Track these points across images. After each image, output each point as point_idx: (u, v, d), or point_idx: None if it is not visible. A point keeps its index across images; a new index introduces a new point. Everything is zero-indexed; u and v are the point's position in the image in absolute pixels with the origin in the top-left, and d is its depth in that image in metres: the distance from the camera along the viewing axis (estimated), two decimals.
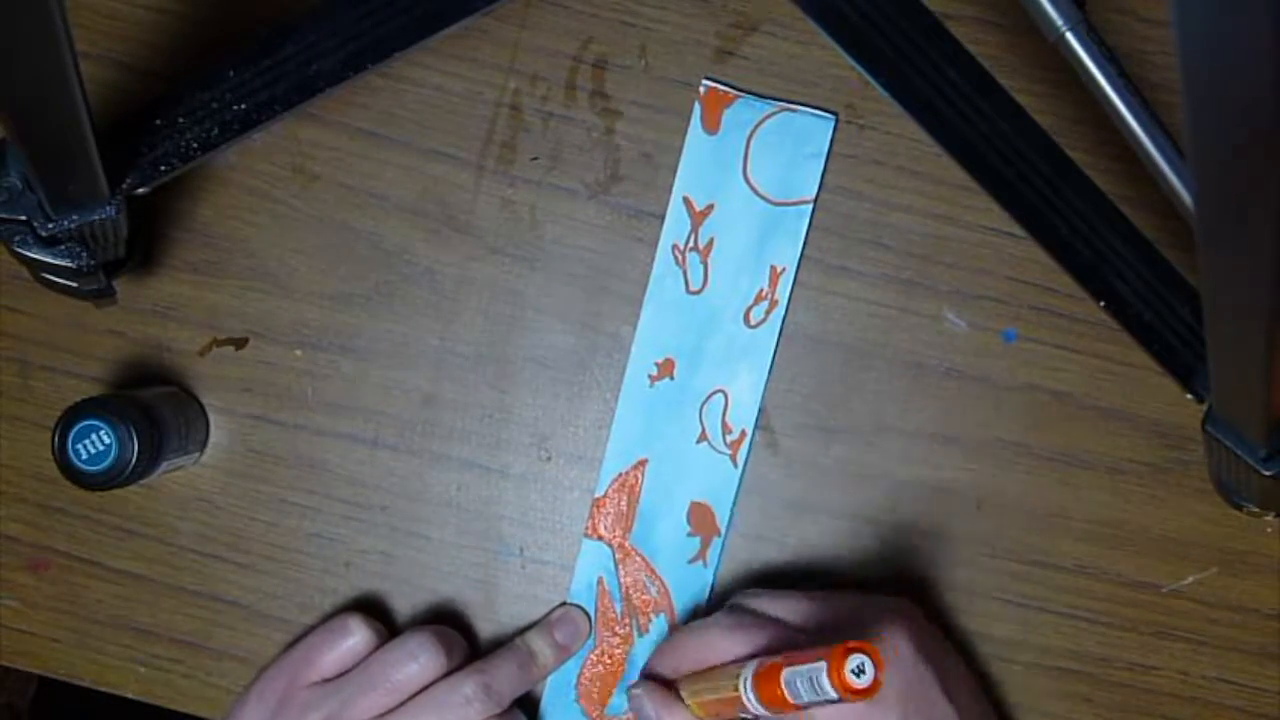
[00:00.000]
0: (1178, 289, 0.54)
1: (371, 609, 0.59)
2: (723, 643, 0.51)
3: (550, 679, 0.58)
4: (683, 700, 0.53)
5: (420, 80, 0.59)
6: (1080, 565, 0.58)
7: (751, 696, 0.47)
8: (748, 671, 0.47)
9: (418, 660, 0.54)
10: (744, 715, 0.49)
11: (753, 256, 0.58)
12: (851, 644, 0.43)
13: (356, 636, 0.56)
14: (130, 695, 0.59)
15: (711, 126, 0.58)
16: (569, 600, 0.58)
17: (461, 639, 0.57)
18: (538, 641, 0.57)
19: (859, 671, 0.42)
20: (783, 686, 0.45)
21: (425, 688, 0.54)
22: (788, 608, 0.53)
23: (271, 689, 0.56)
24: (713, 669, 0.51)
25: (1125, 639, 0.58)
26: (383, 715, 0.54)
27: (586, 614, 0.58)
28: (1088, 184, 0.54)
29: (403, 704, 0.54)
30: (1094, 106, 0.50)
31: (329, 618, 0.58)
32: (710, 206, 0.58)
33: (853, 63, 0.56)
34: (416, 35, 0.54)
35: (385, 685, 0.54)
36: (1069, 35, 0.49)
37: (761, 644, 0.50)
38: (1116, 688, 0.58)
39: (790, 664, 0.45)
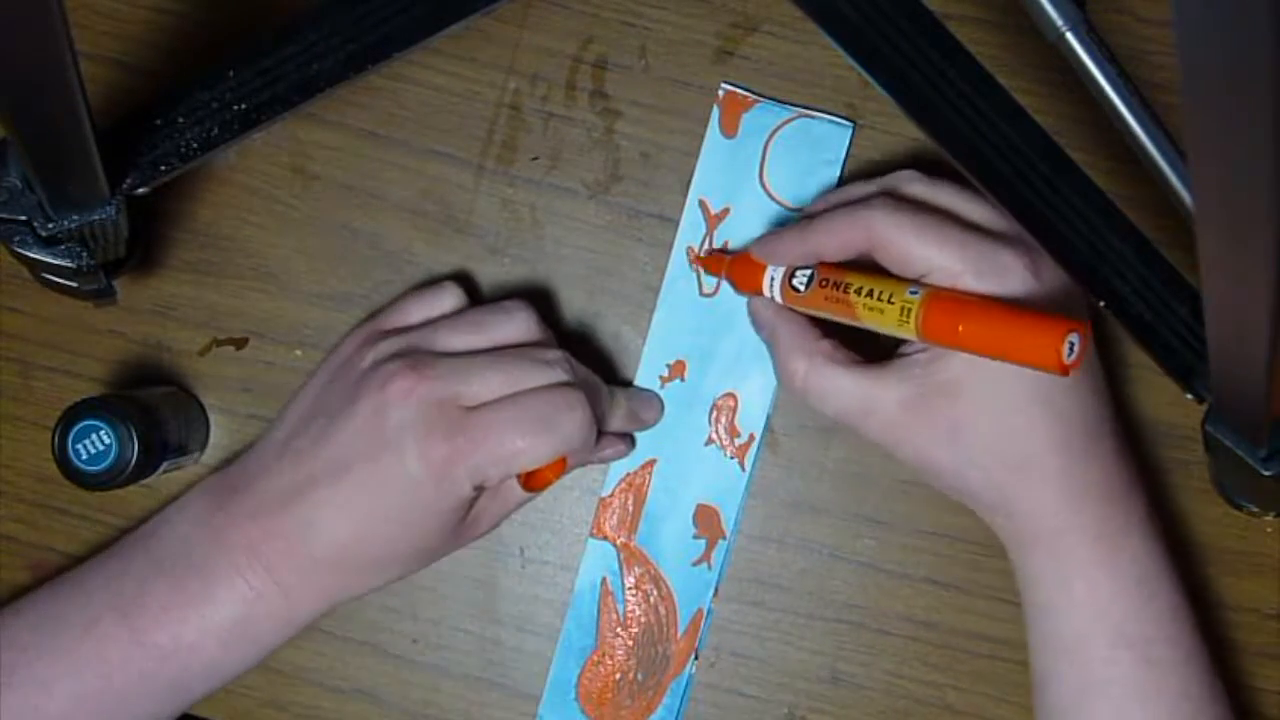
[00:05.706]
0: (1178, 289, 0.54)
1: (370, 606, 0.59)
2: (898, 239, 0.50)
3: (550, 678, 0.58)
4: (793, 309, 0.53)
5: (420, 80, 0.59)
6: None
7: (914, 322, 0.47)
8: (917, 293, 0.47)
9: (514, 319, 0.53)
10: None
11: None
12: (1069, 323, 0.43)
13: (450, 300, 0.55)
14: None
15: (729, 130, 0.58)
16: (572, 600, 0.58)
17: (559, 354, 0.54)
18: (619, 395, 0.56)
19: (1070, 348, 0.44)
20: (966, 328, 0.45)
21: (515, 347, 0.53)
22: (955, 199, 0.52)
23: (352, 340, 0.55)
24: (858, 275, 0.50)
25: None
26: (467, 353, 0.52)
27: (661, 403, 0.58)
28: (1088, 184, 0.54)
29: (489, 351, 0.53)
30: (1094, 106, 0.49)
31: None
32: (726, 210, 0.58)
33: (853, 63, 0.56)
34: (416, 35, 0.54)
35: (477, 328, 0.53)
36: (1069, 35, 0.49)
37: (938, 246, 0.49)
38: None
39: (988, 313, 0.46)
